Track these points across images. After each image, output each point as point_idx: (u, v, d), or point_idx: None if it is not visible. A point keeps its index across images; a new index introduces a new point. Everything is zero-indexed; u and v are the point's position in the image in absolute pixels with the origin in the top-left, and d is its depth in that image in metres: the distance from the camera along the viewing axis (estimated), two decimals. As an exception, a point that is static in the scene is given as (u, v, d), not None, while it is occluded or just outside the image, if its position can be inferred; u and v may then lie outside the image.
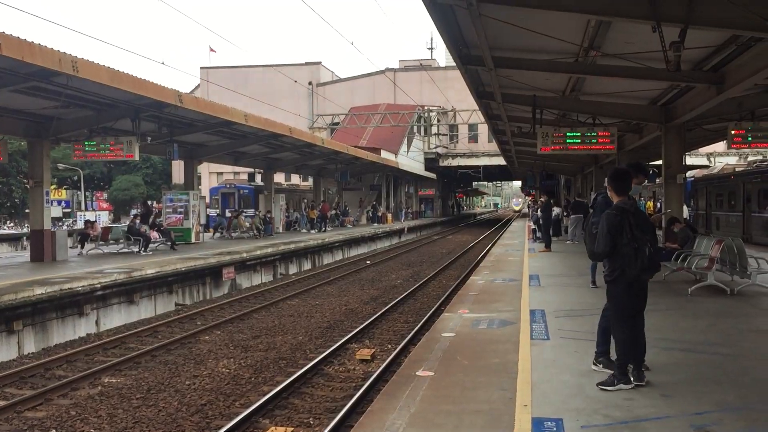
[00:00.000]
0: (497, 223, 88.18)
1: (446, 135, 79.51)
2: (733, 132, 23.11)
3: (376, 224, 59.45)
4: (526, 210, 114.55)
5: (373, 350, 16.03)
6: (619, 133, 27.69)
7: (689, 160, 54.18)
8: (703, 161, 64.15)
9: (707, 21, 12.79)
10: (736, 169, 36.16)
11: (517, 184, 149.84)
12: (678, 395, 8.93)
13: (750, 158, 55.47)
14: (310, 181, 69.36)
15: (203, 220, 45.87)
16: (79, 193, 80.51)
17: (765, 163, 31.89)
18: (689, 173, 39.59)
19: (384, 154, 60.18)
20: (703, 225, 36.41)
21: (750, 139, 23.11)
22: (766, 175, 29.90)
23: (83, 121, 24.77)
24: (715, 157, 65.80)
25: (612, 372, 9.39)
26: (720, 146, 61.85)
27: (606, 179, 9.91)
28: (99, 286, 19.56)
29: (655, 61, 16.17)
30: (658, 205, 40.58)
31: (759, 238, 29.62)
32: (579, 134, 23.90)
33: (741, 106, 22.41)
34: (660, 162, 25.61)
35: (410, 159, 73.12)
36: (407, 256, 41.50)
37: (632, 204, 9.25)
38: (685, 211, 30.22)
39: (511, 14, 14.64)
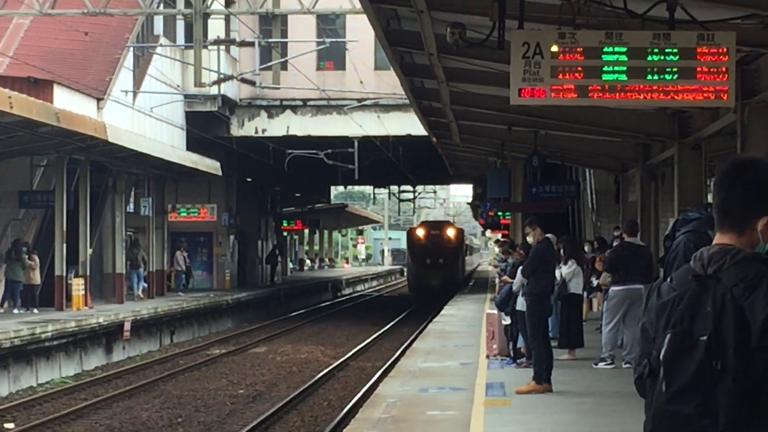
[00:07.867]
0: (404, 310, 39.06)
1: (252, 45, 29.67)
2: None
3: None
4: (490, 268, 51.66)
5: None
6: (745, 52, 11.23)
7: None
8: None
9: None
10: None
11: (461, 192, 73.66)
12: None
13: None
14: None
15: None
16: None
17: None
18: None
19: (61, 97, 24.53)
20: None
21: None
22: None
23: None
24: None
25: None
26: None
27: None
28: None
29: None
30: None
31: None
32: (624, 48, 9.21)
33: None
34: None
35: (143, 115, 30.89)
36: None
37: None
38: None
39: None
